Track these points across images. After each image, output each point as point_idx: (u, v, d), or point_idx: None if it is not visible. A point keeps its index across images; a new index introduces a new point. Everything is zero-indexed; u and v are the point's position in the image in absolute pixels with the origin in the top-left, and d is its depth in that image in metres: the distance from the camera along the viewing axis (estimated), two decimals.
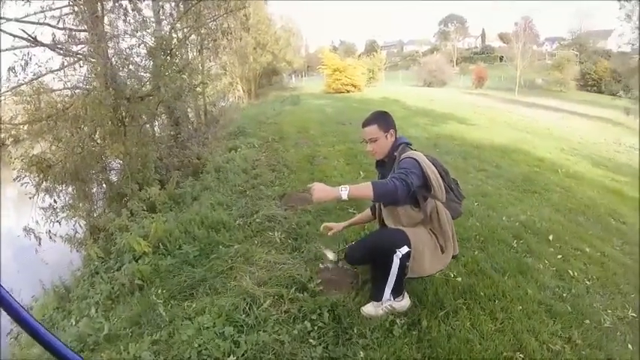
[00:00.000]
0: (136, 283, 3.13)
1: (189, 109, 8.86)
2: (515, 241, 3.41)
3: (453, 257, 2.30)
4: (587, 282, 2.97)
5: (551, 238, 3.59)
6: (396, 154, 2.15)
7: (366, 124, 2.25)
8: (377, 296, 2.23)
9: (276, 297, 2.54)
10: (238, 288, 2.71)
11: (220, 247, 3.44)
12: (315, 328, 2.22)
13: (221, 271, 3.05)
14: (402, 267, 2.07)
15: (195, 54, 7.97)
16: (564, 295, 2.70)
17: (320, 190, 1.91)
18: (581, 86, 33.02)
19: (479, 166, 6.15)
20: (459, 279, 2.66)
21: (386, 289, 2.16)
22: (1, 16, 4.25)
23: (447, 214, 2.16)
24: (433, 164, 2.09)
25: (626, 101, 18.03)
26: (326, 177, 5.20)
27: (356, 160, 6.20)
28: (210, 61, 10.16)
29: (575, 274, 3.02)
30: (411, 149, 2.21)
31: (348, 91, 23.64)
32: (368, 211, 2.65)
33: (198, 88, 7.84)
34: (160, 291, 2.99)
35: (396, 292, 2.20)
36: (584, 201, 4.99)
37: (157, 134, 7.59)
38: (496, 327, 2.23)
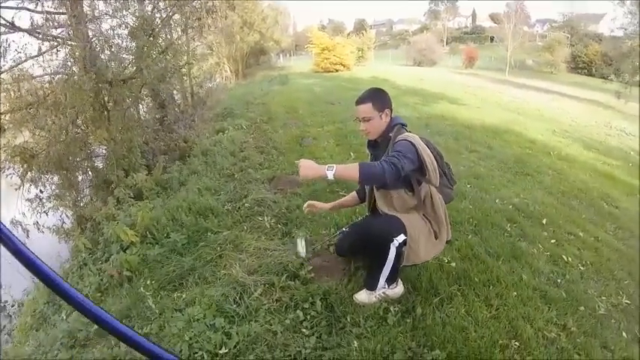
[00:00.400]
0: (124, 274, 3.05)
1: (174, 91, 8.59)
2: (508, 224, 3.39)
3: (447, 242, 2.27)
4: (581, 267, 2.97)
5: (544, 222, 3.58)
6: (390, 135, 2.06)
7: (359, 101, 2.15)
8: (371, 285, 2.19)
9: (267, 285, 2.49)
10: (228, 277, 2.65)
11: (209, 233, 3.36)
12: (308, 317, 2.18)
13: (210, 259, 2.98)
14: (399, 255, 2.03)
15: (179, 34, 7.67)
16: (559, 280, 2.69)
17: (306, 168, 1.85)
18: (572, 69, 32.95)
19: (471, 147, 6.10)
20: (453, 264, 2.63)
21: (381, 278, 2.12)
22: None
23: (440, 199, 2.11)
24: (427, 147, 2.02)
25: (617, 85, 18.04)
26: (315, 158, 5.03)
27: (346, 141, 6.12)
28: (195, 40, 9.85)
29: (569, 259, 3.01)
30: (407, 131, 2.12)
31: (337, 71, 23.32)
32: (354, 194, 2.57)
33: (183, 69, 7.59)
34: (148, 282, 2.92)
35: (391, 280, 2.16)
36: (577, 184, 4.98)
37: (142, 118, 7.37)
38: (491, 314, 2.21)
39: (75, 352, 2.43)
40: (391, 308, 2.17)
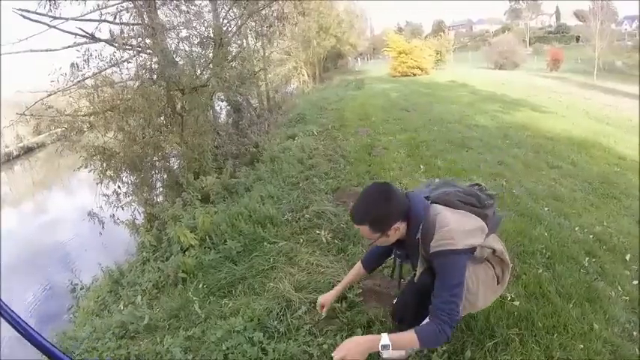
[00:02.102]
0: (179, 275, 3.21)
1: (250, 96, 8.98)
2: (587, 258, 2.97)
3: None
4: None
5: (628, 257, 3.08)
6: (418, 237, 1.59)
7: (355, 219, 1.64)
8: None
9: (312, 304, 2.44)
10: (275, 290, 2.66)
11: (265, 243, 3.40)
12: None
13: (262, 269, 3.03)
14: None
15: (253, 41, 8.00)
16: (634, 333, 2.27)
17: (352, 352, 1.45)
18: None
19: (552, 163, 5.52)
20: (517, 303, 2.35)
21: None
22: (59, 15, 4.53)
23: (500, 242, 1.81)
24: (456, 206, 1.66)
25: None
26: (384, 170, 4.98)
27: (417, 152, 5.88)
28: (270, 46, 10.21)
29: None
30: (433, 204, 1.66)
31: (414, 74, 22.62)
32: (358, 267, 2.09)
33: (259, 74, 7.89)
34: (200, 286, 3.06)
35: None
36: None
37: (218, 122, 7.81)
38: None
39: (123, 343, 2.61)
40: (438, 348, 2.00)
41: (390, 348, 1.45)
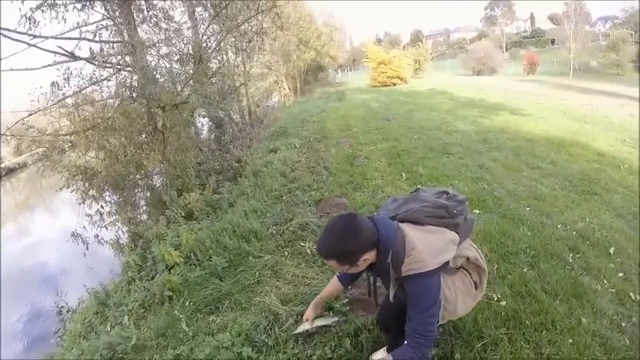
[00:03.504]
0: (165, 294, 3.15)
1: (231, 111, 8.98)
2: (571, 254, 3.01)
3: None
4: None
5: (612, 251, 3.14)
6: (388, 262, 1.54)
7: (321, 254, 1.67)
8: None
9: (299, 316, 2.41)
10: (262, 304, 2.63)
11: (250, 258, 3.37)
12: (335, 355, 2.06)
13: (248, 284, 2.99)
14: None
15: (233, 56, 8.03)
16: (623, 324, 2.31)
17: None
18: (639, 68, 29.67)
19: (532, 164, 5.62)
20: (503, 303, 2.37)
21: None
22: (39, 34, 4.50)
23: (476, 250, 1.81)
24: (426, 214, 1.63)
25: None
26: (366, 179, 4.99)
27: (399, 160, 5.93)
28: (250, 61, 10.27)
29: (638, 297, 2.58)
30: (401, 224, 1.61)
31: (394, 84, 23.00)
32: (335, 281, 2.05)
33: (241, 89, 7.90)
34: (187, 303, 3.00)
35: None
36: None
37: (200, 138, 7.77)
38: None
39: None
40: None
41: None
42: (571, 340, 2.09)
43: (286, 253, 3.39)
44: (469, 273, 1.77)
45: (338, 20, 32.95)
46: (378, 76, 23.66)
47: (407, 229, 1.57)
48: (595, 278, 2.75)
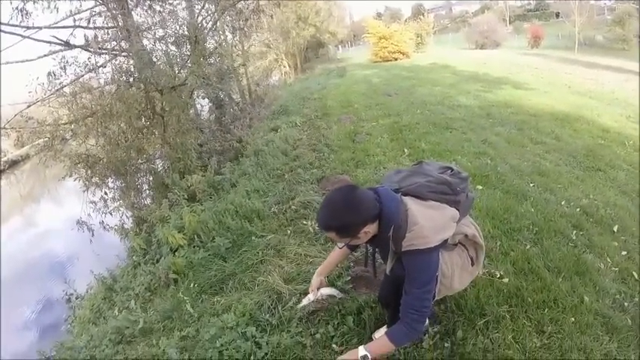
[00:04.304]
0: (170, 276, 3.19)
1: (231, 91, 8.87)
2: (574, 231, 2.99)
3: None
4: None
5: (615, 229, 3.11)
6: (389, 235, 1.51)
7: (321, 226, 1.60)
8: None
9: (302, 295, 2.43)
10: (265, 284, 2.65)
11: (253, 237, 3.39)
12: (338, 333, 2.09)
13: (251, 264, 3.02)
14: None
15: (230, 35, 7.87)
16: (625, 304, 2.29)
17: None
18: None
19: (536, 139, 5.54)
20: (506, 280, 2.36)
21: None
22: (32, 25, 4.40)
23: (475, 226, 1.81)
24: (429, 190, 1.61)
25: None
26: (368, 156, 4.97)
27: (400, 136, 5.88)
28: (248, 40, 10.07)
29: None
30: (404, 197, 1.59)
31: (395, 59, 22.49)
32: (340, 251, 2.01)
33: (241, 69, 7.77)
34: (192, 285, 3.04)
35: None
36: None
37: (202, 119, 7.70)
38: (542, 343, 1.94)
39: (120, 348, 2.59)
40: (430, 329, 2.00)
41: (370, 357, 1.55)
42: (573, 319, 2.08)
43: (289, 232, 3.40)
44: (466, 249, 1.77)
45: None
46: (379, 51, 23.15)
47: (410, 203, 1.55)
48: (598, 256, 2.73)
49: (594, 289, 2.37)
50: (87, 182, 5.06)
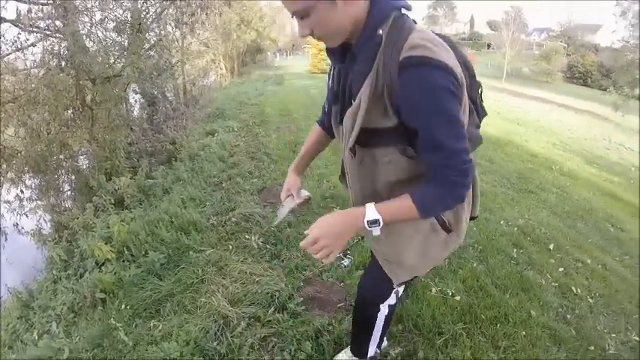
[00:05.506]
0: (97, 296, 2.77)
1: (165, 89, 8.28)
2: (515, 250, 3.17)
3: (472, 219, 1.31)
4: (590, 300, 2.77)
5: (551, 247, 3.37)
6: (380, 32, 0.94)
7: None
8: (358, 352, 1.70)
9: (251, 319, 2.23)
10: (209, 306, 2.39)
11: (190, 252, 3.06)
12: None
13: (191, 283, 2.70)
14: (388, 319, 1.52)
15: (172, 29, 7.36)
16: (568, 316, 2.49)
17: (330, 237, 1.03)
18: (568, 78, 33.23)
19: None
20: (458, 297, 2.41)
21: (370, 346, 1.60)
22: None
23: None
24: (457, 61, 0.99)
25: (615, 96, 18.03)
26: (310, 168, 4.81)
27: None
28: (189, 37, 9.57)
29: (579, 290, 2.81)
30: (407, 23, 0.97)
31: None
32: (318, 132, 1.51)
33: (177, 66, 7.29)
34: (123, 306, 2.65)
35: (381, 342, 1.67)
36: (581, 203, 4.80)
37: (131, 116, 7.06)
38: (499, 357, 2.01)
39: None
40: (391, 351, 1.95)
41: (381, 223, 1.01)
42: (524, 332, 2.19)
43: (230, 246, 3.13)
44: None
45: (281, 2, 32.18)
46: (318, 62, 23.57)
47: (416, 28, 0.97)
48: (539, 273, 2.92)
49: (539, 304, 2.51)
50: (1, 178, 4.31)
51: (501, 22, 32.99)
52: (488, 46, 45.40)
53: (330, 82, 1.16)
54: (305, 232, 1.06)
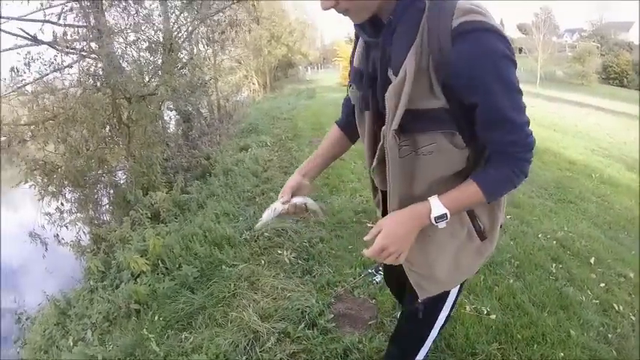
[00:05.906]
0: (131, 307, 2.86)
1: (200, 105, 8.57)
2: (553, 264, 3.02)
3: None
4: (633, 317, 2.59)
5: (592, 261, 3.18)
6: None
7: None
8: None
9: (281, 334, 2.23)
10: (240, 321, 2.42)
11: (223, 267, 3.12)
12: None
13: (222, 297, 2.75)
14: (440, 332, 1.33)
15: (204, 47, 7.65)
16: (609, 335, 2.34)
17: (394, 238, 0.97)
18: (603, 79, 31.79)
19: None
20: (493, 316, 2.31)
21: None
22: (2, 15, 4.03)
23: None
24: None
25: None
26: (342, 182, 4.84)
27: None
28: (221, 54, 9.89)
29: (621, 307, 2.63)
30: None
31: None
32: (336, 134, 1.40)
33: (210, 83, 7.53)
34: (156, 318, 2.73)
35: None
36: (623, 213, 4.52)
37: (167, 132, 7.35)
38: None
39: None
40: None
41: (449, 216, 0.95)
42: (562, 354, 2.07)
43: (262, 261, 3.16)
44: (476, 216, 1.10)
45: (311, 17, 32.81)
46: (348, 74, 23.64)
47: None
48: (579, 289, 2.76)
49: (579, 323, 2.37)
50: (43, 191, 4.59)
51: (532, 24, 32.01)
52: (520, 50, 44.10)
53: (357, 62, 1.07)
54: (368, 225, 1.03)
